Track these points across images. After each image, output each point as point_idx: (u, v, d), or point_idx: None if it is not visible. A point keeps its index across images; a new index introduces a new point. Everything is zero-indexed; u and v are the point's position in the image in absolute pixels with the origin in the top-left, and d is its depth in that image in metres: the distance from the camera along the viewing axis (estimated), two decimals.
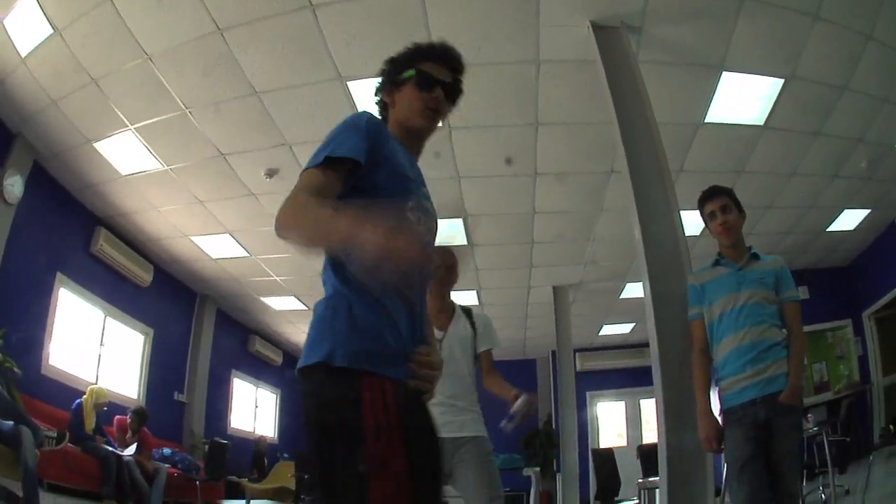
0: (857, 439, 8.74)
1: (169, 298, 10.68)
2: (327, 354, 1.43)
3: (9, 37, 5.67)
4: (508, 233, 9.12)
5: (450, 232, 8.69)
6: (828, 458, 6.53)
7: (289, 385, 14.40)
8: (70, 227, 8.35)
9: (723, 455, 3.35)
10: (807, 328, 3.28)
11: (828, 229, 9.74)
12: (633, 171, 4.76)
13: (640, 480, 6.62)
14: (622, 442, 14.50)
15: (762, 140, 7.20)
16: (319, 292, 1.62)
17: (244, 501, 9.46)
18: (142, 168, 7.51)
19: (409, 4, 5.17)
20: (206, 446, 9.42)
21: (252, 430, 13.17)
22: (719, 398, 3.30)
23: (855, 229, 9.82)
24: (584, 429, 14.23)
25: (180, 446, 9.55)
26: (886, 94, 6.63)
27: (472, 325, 3.45)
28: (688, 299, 3.53)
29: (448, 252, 3.53)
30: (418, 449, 1.43)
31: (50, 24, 5.43)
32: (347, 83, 5.98)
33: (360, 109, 1.89)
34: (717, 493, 4.57)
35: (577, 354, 13.10)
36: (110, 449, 7.13)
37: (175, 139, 6.93)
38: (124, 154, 7.24)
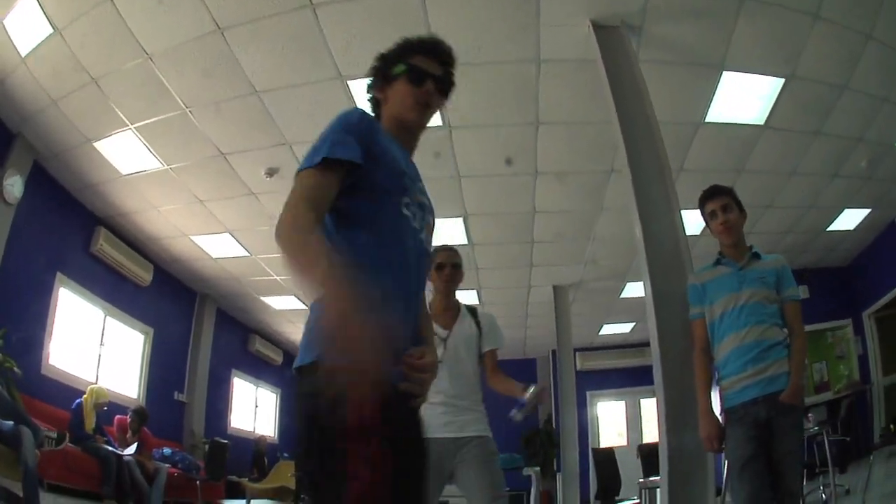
0: (857, 439, 8.75)
1: (169, 298, 10.68)
2: (315, 356, 1.43)
3: (9, 36, 5.67)
4: (508, 232, 9.12)
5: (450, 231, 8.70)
6: (828, 457, 6.53)
7: (289, 384, 14.37)
8: (70, 227, 8.35)
9: (723, 455, 3.35)
10: (807, 328, 3.27)
11: (828, 229, 9.74)
12: (633, 170, 4.76)
13: (641, 480, 6.62)
14: (622, 441, 14.49)
15: (762, 139, 7.19)
16: None
17: (244, 501, 9.46)
18: (142, 167, 7.51)
19: (409, 4, 5.17)
20: (207, 446, 9.42)
21: (252, 430, 13.18)
22: (720, 397, 3.30)
23: (855, 229, 9.82)
24: (585, 428, 14.23)
25: (180, 446, 9.55)
26: (886, 94, 6.62)
27: (478, 324, 3.44)
28: (688, 299, 3.53)
29: (453, 251, 3.51)
30: (401, 450, 1.43)
31: (50, 23, 5.43)
32: (348, 82, 5.97)
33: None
34: (718, 492, 4.57)
35: (577, 354, 13.10)
36: (110, 449, 7.13)
37: (175, 138, 6.93)
38: (124, 154, 7.24)
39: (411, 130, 1.82)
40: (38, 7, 5.28)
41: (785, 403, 3.02)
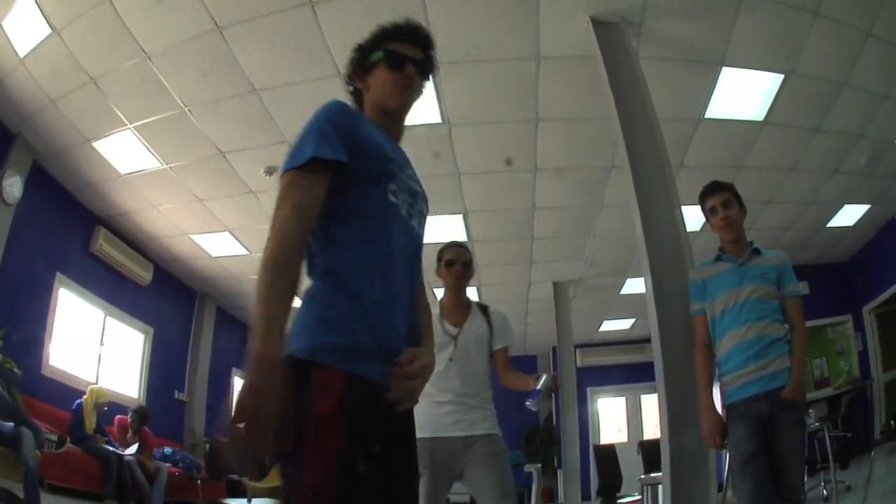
0: (857, 435, 8.76)
1: (169, 297, 10.68)
2: (293, 348, 1.43)
3: (7, 38, 5.66)
4: (508, 229, 9.12)
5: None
6: (829, 453, 6.53)
7: None
8: (69, 227, 8.35)
9: (723, 451, 3.35)
10: (807, 324, 3.26)
11: (828, 225, 9.74)
12: (633, 167, 4.75)
13: (643, 476, 6.61)
14: (622, 438, 14.51)
15: (762, 136, 7.19)
16: None
17: (245, 500, 9.45)
18: (141, 167, 7.50)
19: (409, 1, 5.16)
20: (207, 445, 9.41)
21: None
22: (721, 394, 3.30)
23: (855, 225, 9.82)
24: (585, 425, 14.23)
25: (181, 445, 9.54)
26: (886, 91, 6.62)
27: (489, 322, 3.42)
28: (689, 295, 3.53)
29: (463, 248, 3.50)
30: (372, 446, 1.40)
31: (48, 23, 5.42)
32: None
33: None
34: (720, 488, 4.57)
35: (577, 350, 13.10)
36: (111, 449, 7.13)
37: (174, 137, 6.92)
38: (123, 153, 7.23)
39: (395, 116, 1.80)
40: (37, 7, 5.27)
41: (787, 399, 3.02)
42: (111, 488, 6.74)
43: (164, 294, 10.45)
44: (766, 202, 8.65)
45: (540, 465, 10.03)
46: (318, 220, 1.52)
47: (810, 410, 7.85)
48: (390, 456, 1.47)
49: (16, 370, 6.23)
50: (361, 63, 1.82)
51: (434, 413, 3.11)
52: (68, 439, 6.64)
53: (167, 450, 8.48)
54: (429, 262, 3.51)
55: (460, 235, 8.90)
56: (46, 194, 7.70)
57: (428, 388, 3.15)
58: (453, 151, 7.13)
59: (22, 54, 5.81)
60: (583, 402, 14.19)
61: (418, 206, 1.72)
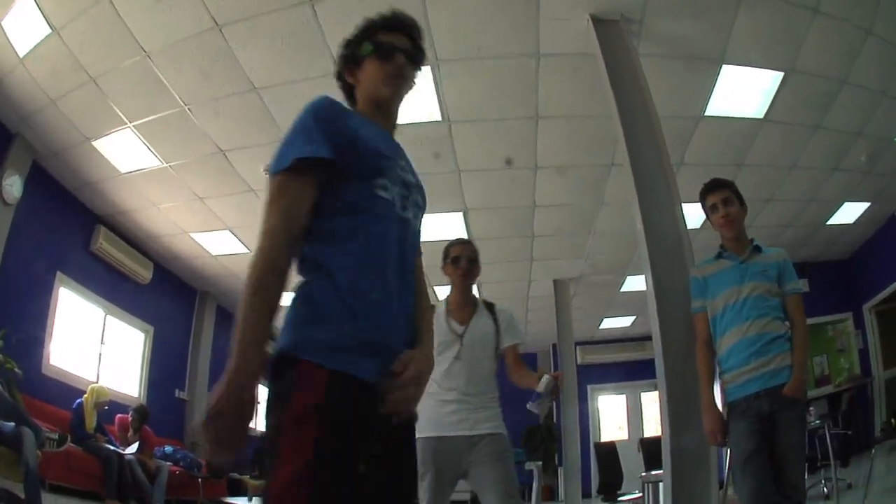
0: (858, 433, 8.76)
1: (169, 296, 10.68)
2: (280, 345, 1.44)
3: (7, 37, 5.66)
4: (509, 226, 9.12)
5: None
6: (830, 451, 6.54)
7: None
8: (70, 226, 8.34)
9: (724, 449, 3.35)
10: (807, 321, 3.26)
11: (828, 222, 9.74)
12: (634, 164, 4.75)
13: (643, 474, 6.61)
14: (623, 435, 14.52)
15: (762, 133, 7.19)
16: None
17: (246, 499, 9.47)
18: (141, 165, 7.50)
19: None
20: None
21: (254, 428, 13.15)
22: (722, 391, 3.29)
23: (855, 222, 9.83)
24: (586, 422, 14.23)
25: (182, 444, 9.54)
26: (886, 88, 6.62)
27: (495, 320, 3.39)
28: (690, 292, 3.52)
29: (469, 244, 3.46)
30: (356, 444, 1.38)
31: (48, 23, 5.42)
32: None
33: None
34: (721, 486, 4.57)
35: (577, 348, 13.12)
36: (112, 448, 7.12)
37: (174, 136, 6.92)
38: (123, 152, 7.23)
39: (387, 107, 1.79)
40: (36, 7, 5.27)
41: (788, 397, 3.02)
42: (112, 487, 6.74)
43: (164, 293, 10.45)
44: (767, 200, 8.65)
45: (540, 463, 10.02)
46: (308, 216, 1.51)
47: (811, 408, 7.86)
48: (382, 455, 1.45)
49: (16, 370, 6.23)
50: (351, 57, 1.81)
51: (438, 412, 3.10)
52: (69, 437, 6.64)
53: (168, 448, 8.49)
54: (433, 260, 3.52)
55: (460, 233, 8.89)
56: (46, 194, 7.70)
57: (433, 386, 3.13)
58: (453, 149, 7.12)
59: (21, 54, 5.80)
60: (583, 399, 14.19)
61: (413, 198, 1.70)
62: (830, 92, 6.60)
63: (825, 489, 6.89)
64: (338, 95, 1.77)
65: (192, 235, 9.30)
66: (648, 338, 4.47)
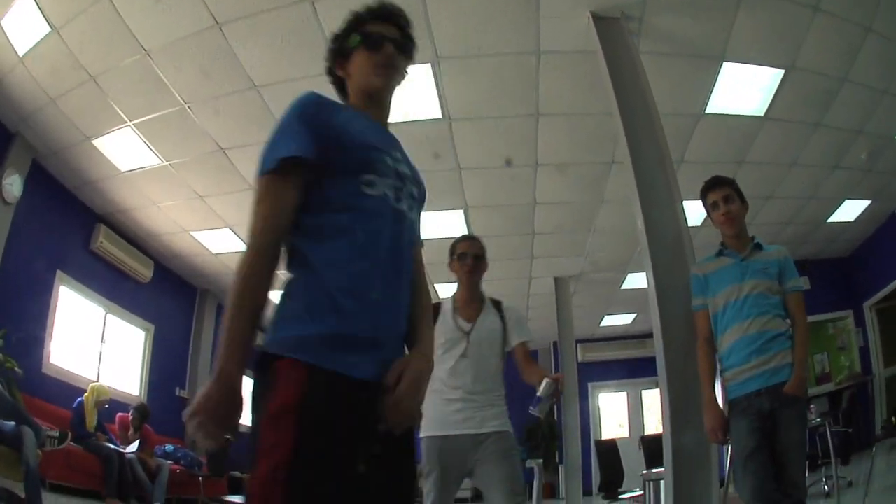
0: (858, 431, 8.76)
1: (169, 294, 10.68)
2: (263, 342, 1.44)
3: (6, 37, 5.66)
4: (509, 224, 9.11)
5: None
6: (830, 449, 6.53)
7: None
8: (70, 225, 8.34)
9: (725, 447, 3.35)
10: (808, 319, 3.26)
11: (828, 220, 9.74)
12: (634, 162, 4.74)
13: (645, 472, 6.61)
14: (624, 433, 14.52)
15: (763, 131, 7.19)
16: None
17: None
18: (141, 164, 7.50)
19: None
20: None
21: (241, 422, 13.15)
22: (723, 389, 3.29)
23: (855, 220, 9.83)
24: (586, 420, 14.23)
25: (182, 442, 9.54)
26: (886, 86, 6.62)
27: (502, 318, 3.35)
28: (691, 290, 3.52)
29: (476, 241, 3.44)
30: (339, 441, 1.36)
31: (47, 22, 5.42)
32: None
33: None
34: (721, 484, 4.57)
35: (578, 345, 13.11)
36: (112, 447, 7.12)
37: (174, 134, 6.92)
38: (123, 150, 7.23)
39: (378, 98, 1.77)
40: (36, 6, 5.27)
41: (789, 395, 3.02)
42: (112, 486, 6.74)
43: (164, 291, 10.44)
44: (767, 197, 8.65)
45: (541, 461, 10.03)
46: (295, 213, 1.52)
47: (811, 406, 7.85)
48: (380, 455, 1.42)
49: (16, 369, 6.22)
50: (340, 51, 1.79)
51: (444, 411, 3.09)
52: (69, 436, 6.63)
53: (168, 447, 8.48)
54: (436, 258, 3.51)
55: (461, 230, 8.89)
56: (46, 193, 7.69)
57: (437, 384, 3.12)
58: (454, 146, 7.12)
59: (21, 53, 5.80)
60: (584, 397, 14.19)
61: (408, 189, 1.67)
62: (831, 89, 6.60)
63: (826, 487, 6.88)
64: (336, 93, 1.76)
65: (193, 234, 9.29)
66: (649, 335, 4.46)
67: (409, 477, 1.61)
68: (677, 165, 6.40)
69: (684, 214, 4.61)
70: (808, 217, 9.51)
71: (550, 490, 13.01)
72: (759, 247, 3.36)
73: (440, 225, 8.28)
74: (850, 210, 9.46)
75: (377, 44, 1.72)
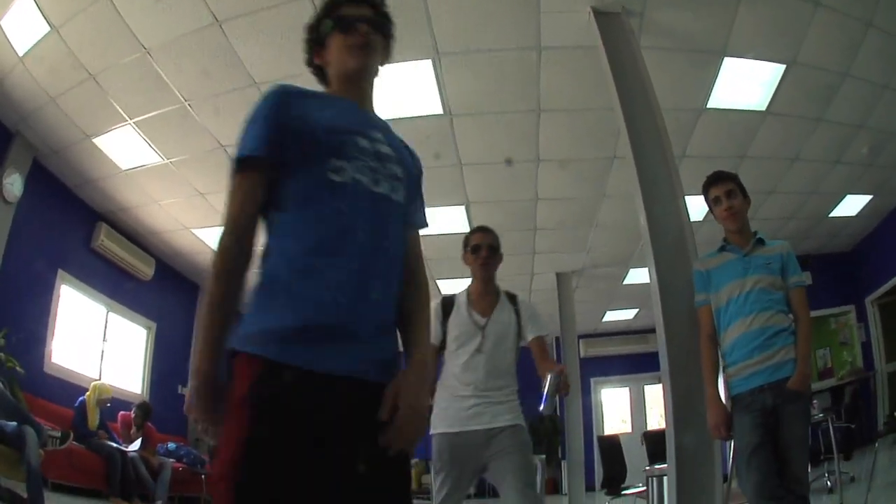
0: (861, 426, 8.75)
1: (171, 292, 10.68)
2: (232, 337, 1.44)
3: (6, 37, 5.66)
4: (511, 220, 9.09)
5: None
6: (833, 444, 6.53)
7: None
8: (70, 224, 8.34)
9: (728, 442, 3.34)
10: (810, 314, 3.25)
11: (830, 215, 9.74)
12: (637, 157, 4.72)
13: (648, 468, 6.60)
14: (626, 428, 14.54)
15: (764, 126, 7.18)
16: None
17: None
18: (142, 162, 7.50)
19: None
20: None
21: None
22: (726, 385, 3.28)
23: (857, 215, 9.82)
24: (589, 415, 14.24)
25: (185, 440, 9.55)
26: (887, 81, 6.62)
27: (517, 312, 3.31)
28: (694, 285, 3.51)
29: (490, 232, 3.39)
30: (295, 436, 1.32)
31: (47, 21, 5.41)
32: None
33: None
34: (724, 479, 4.56)
35: (580, 341, 13.11)
36: (115, 445, 7.12)
37: (175, 132, 6.92)
38: (124, 149, 7.23)
39: (356, 79, 1.73)
40: (35, 6, 5.26)
41: (792, 390, 3.01)
42: (115, 485, 6.75)
43: (166, 289, 10.45)
44: (769, 192, 8.64)
45: (544, 457, 10.05)
46: (263, 210, 1.52)
47: (814, 401, 7.85)
48: (346, 452, 1.37)
49: (18, 368, 6.22)
50: (316, 40, 1.77)
51: (456, 407, 3.06)
52: (71, 435, 6.63)
53: (171, 445, 8.49)
54: (438, 254, 3.50)
55: (462, 227, 8.88)
56: (47, 192, 7.70)
57: (449, 379, 3.10)
58: (455, 142, 7.12)
59: (21, 52, 5.80)
60: (586, 392, 14.17)
61: (389, 170, 1.61)
62: (832, 84, 6.58)
63: (828, 482, 6.87)
64: None
65: (194, 231, 9.30)
66: (651, 330, 4.46)
67: (402, 477, 1.54)
68: (679, 160, 6.39)
69: (686, 209, 4.59)
70: (810, 212, 9.50)
71: (553, 486, 13.03)
72: (761, 242, 3.35)
73: (442, 221, 8.28)
74: (852, 205, 9.45)
75: (350, 25, 1.69)
